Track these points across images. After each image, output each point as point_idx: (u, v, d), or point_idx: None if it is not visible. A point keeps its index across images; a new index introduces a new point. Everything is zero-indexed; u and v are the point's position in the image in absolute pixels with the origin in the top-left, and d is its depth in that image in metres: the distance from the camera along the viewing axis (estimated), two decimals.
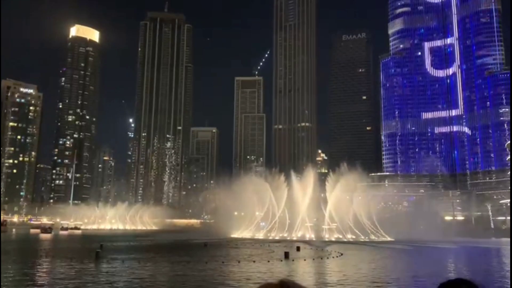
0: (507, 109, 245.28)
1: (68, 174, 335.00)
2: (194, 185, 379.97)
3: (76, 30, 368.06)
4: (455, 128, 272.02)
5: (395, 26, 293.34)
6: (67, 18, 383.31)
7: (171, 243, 77.21)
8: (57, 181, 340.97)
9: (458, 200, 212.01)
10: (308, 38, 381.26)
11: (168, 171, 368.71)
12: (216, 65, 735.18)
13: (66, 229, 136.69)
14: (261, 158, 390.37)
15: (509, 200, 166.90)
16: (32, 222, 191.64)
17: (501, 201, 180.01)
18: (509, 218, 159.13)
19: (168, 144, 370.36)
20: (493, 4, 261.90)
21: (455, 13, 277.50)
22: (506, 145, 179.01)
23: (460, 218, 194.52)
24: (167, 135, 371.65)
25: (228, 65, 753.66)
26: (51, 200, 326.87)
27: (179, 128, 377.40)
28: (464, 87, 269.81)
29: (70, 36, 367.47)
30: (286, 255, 44.69)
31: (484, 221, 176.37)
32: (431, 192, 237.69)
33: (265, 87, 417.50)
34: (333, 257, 47.93)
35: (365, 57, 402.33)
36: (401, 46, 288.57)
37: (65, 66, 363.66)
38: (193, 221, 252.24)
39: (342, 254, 51.89)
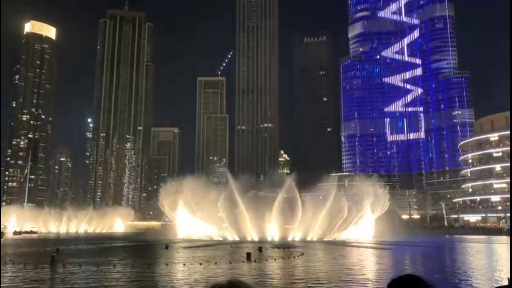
0: (459, 112, 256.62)
1: (22, 176, 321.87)
2: (155, 186, 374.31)
3: (31, 26, 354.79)
4: (412, 130, 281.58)
5: (354, 30, 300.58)
6: (22, 13, 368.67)
7: (131, 245, 75.71)
8: (10, 183, 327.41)
9: (414, 199, 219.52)
10: (271, 39, 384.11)
11: (128, 172, 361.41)
12: (178, 65, 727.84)
13: (20, 233, 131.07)
14: (224, 159, 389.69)
15: (461, 199, 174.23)
16: None
17: (454, 200, 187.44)
18: (461, 216, 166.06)
19: (128, 145, 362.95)
20: (447, 10, 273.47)
21: (412, 18, 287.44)
22: (459, 146, 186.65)
23: (416, 216, 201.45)
24: (127, 136, 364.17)
25: (190, 65, 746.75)
26: (4, 203, 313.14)
27: (140, 128, 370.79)
28: (421, 91, 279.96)
29: (25, 32, 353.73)
30: (248, 256, 44.68)
31: (438, 219, 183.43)
32: (389, 191, 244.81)
33: (228, 87, 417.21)
34: (294, 257, 48.43)
35: (326, 59, 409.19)
36: (360, 49, 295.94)
37: (19, 64, 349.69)
38: (154, 223, 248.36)
39: (303, 254, 52.51)
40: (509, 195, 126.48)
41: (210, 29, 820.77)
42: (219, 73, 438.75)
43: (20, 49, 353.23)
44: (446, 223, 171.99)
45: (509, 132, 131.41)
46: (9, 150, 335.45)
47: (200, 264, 40.30)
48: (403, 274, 3.05)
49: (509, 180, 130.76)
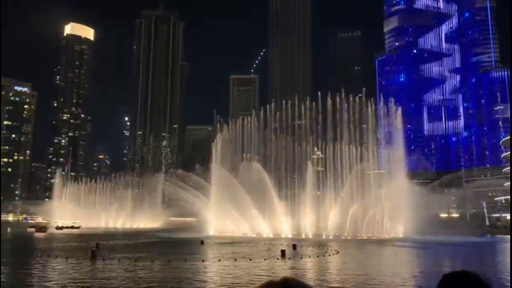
0: (501, 107, 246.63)
1: (63, 173, 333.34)
2: (191, 183, 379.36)
3: (70, 28, 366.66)
4: (450, 126, 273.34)
5: (390, 24, 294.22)
6: (62, 16, 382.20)
7: (169, 241, 77.10)
8: (52, 180, 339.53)
9: (453, 197, 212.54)
10: (304, 36, 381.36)
11: (164, 169, 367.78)
12: (212, 63, 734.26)
13: (61, 228, 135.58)
14: (256, 156, 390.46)
15: (503, 198, 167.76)
16: (27, 221, 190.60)
17: (495, 198, 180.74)
18: (503, 215, 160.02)
19: (164, 142, 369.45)
20: (487, 2, 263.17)
21: (450, 10, 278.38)
22: (501, 142, 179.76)
23: (455, 215, 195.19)
24: (163, 134, 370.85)
25: (223, 63, 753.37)
26: (46, 199, 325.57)
27: (175, 126, 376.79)
28: (459, 85, 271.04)
29: (65, 34, 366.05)
30: (283, 253, 44.64)
31: (479, 218, 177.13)
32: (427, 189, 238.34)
33: (260, 85, 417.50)
34: (329, 255, 48.00)
35: (360, 55, 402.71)
36: (397, 44, 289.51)
37: (59, 65, 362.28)
38: (190, 219, 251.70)
39: (338, 252, 51.97)
40: None
41: (243, 26, 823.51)
42: (252, 71, 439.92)
43: (60, 50, 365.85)
44: (487, 223, 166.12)
45: None
46: (51, 148, 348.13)
47: (235, 260, 40.55)
48: (457, 270, 2.69)
49: None
